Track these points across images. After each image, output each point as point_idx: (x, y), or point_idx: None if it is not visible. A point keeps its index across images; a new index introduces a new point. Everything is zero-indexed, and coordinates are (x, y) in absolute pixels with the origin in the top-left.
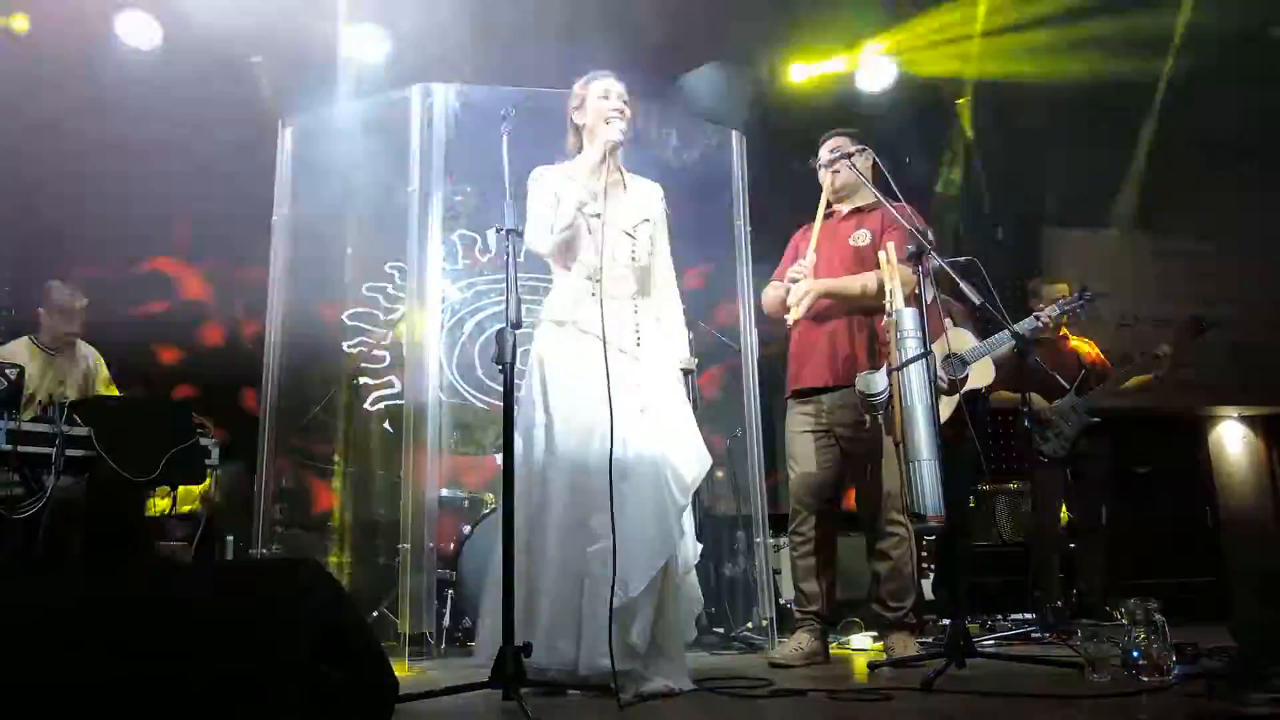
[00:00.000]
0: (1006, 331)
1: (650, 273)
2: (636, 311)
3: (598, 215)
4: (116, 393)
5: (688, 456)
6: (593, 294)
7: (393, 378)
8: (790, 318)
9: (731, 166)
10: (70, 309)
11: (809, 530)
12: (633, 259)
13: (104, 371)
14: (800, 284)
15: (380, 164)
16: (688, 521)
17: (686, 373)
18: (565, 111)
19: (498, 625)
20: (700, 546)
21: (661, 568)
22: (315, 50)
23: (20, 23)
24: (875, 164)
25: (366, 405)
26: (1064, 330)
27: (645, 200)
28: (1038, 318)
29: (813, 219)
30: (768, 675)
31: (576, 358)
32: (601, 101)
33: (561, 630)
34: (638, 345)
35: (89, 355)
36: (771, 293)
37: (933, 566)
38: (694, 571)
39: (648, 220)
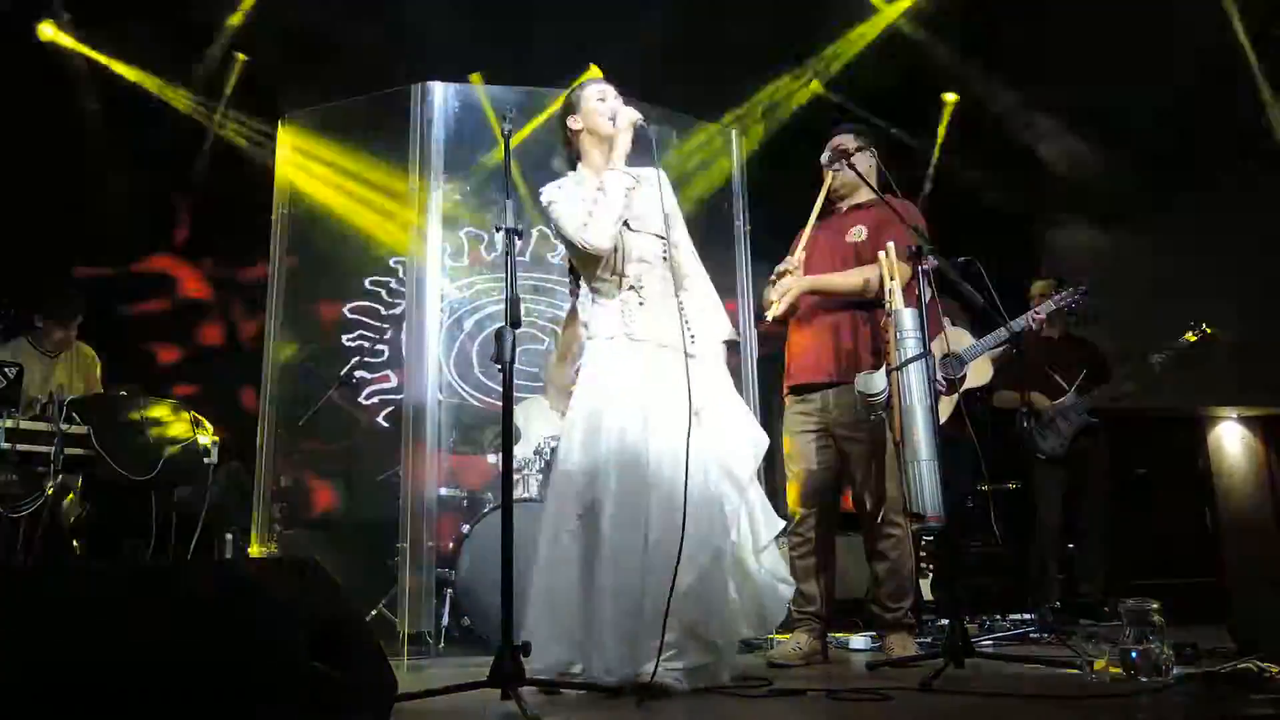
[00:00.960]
0: (1003, 329)
1: (681, 264)
2: (683, 307)
3: (627, 224)
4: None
5: (742, 450)
6: (640, 302)
7: (390, 374)
8: (770, 314)
9: (731, 166)
10: (67, 319)
11: (808, 531)
12: (665, 258)
13: (98, 372)
14: (784, 281)
15: (379, 162)
16: (757, 501)
17: (732, 344)
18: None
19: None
20: (781, 524)
21: (709, 561)
22: (315, 47)
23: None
24: (878, 162)
25: (361, 399)
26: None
27: (657, 192)
28: (1035, 315)
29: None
30: (767, 675)
31: (630, 366)
32: (600, 103)
33: (617, 634)
34: (693, 342)
35: (87, 357)
36: (768, 294)
37: (931, 566)
38: (773, 549)
39: (668, 213)
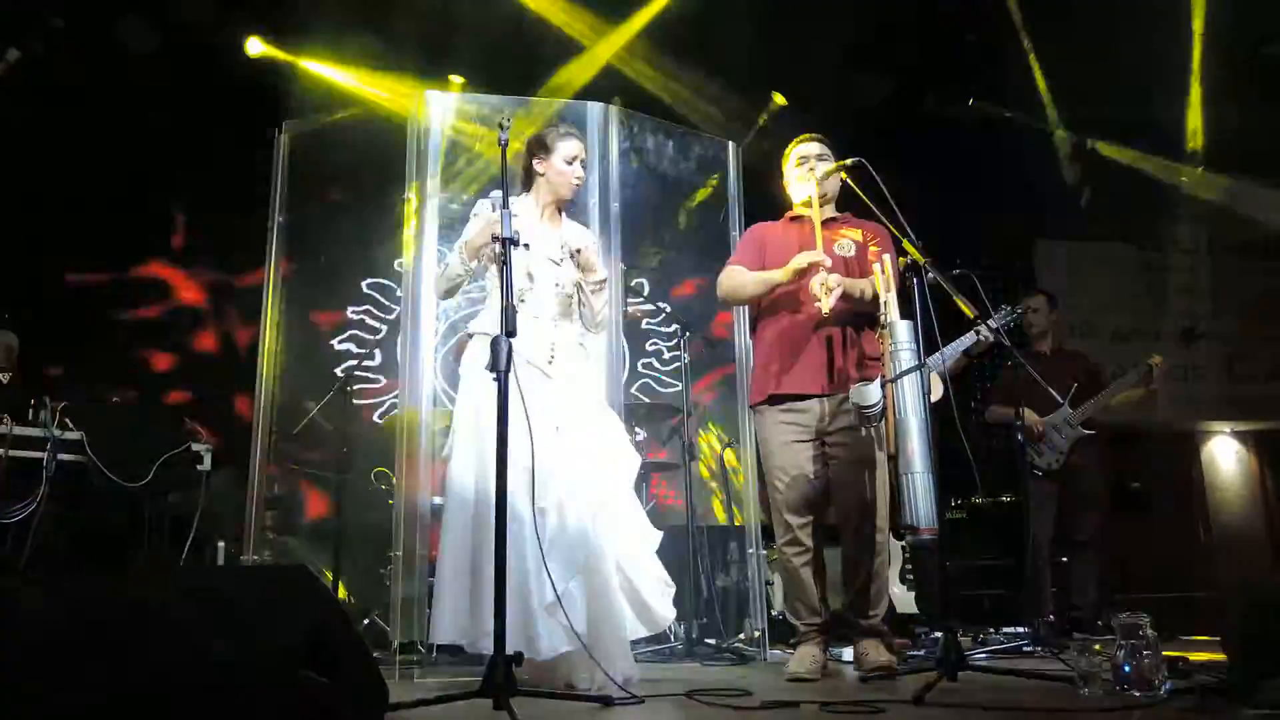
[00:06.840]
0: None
1: (575, 301)
2: (556, 329)
3: (526, 245)
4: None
5: (607, 470)
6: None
7: (384, 383)
8: (825, 308)
9: (727, 177)
10: None
11: (807, 539)
12: (556, 285)
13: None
14: (830, 277)
15: (376, 170)
16: (636, 515)
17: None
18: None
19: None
20: (660, 534)
21: (582, 565)
22: (313, 53)
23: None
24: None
25: (356, 403)
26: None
27: (574, 239)
28: (977, 332)
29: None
30: (753, 687)
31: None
32: (568, 166)
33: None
34: (550, 363)
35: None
36: (740, 278)
37: (911, 577)
38: (652, 554)
39: (577, 252)
